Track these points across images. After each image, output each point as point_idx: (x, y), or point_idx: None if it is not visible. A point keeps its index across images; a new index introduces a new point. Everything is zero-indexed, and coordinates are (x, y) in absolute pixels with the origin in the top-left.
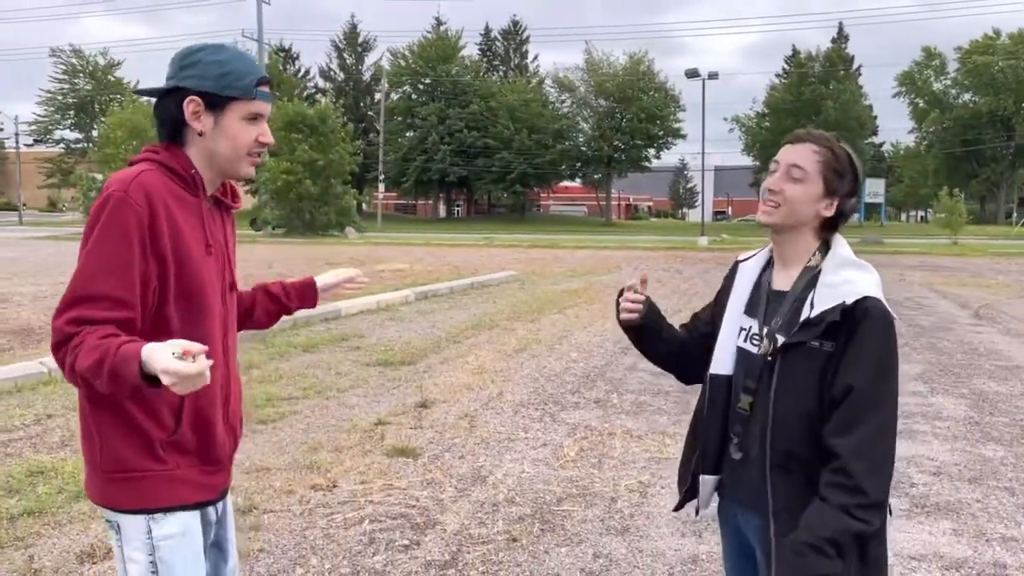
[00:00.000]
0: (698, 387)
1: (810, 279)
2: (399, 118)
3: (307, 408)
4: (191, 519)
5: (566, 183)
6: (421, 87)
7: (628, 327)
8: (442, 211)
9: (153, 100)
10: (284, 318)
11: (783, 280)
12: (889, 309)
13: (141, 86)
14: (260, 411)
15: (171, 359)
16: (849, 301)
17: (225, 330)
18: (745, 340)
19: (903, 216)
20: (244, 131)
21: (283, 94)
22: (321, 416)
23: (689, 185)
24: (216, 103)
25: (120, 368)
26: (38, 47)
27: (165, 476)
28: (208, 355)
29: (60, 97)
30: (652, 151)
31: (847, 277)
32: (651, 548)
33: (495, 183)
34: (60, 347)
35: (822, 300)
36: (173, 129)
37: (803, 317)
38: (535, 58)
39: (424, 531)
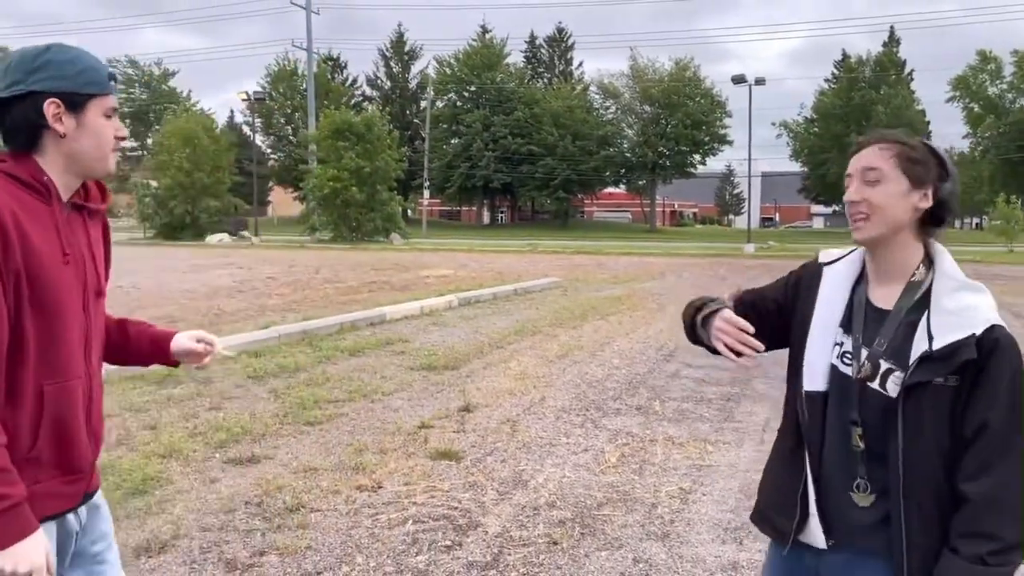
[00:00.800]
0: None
1: (919, 299)
2: (444, 125)
3: (353, 411)
4: (43, 541)
5: (610, 189)
6: (466, 94)
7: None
8: (486, 217)
9: None
10: (330, 321)
11: (883, 296)
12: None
13: (194, 95)
14: (308, 413)
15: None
16: (979, 332)
17: (88, 337)
18: (837, 358)
19: (956, 223)
20: (105, 127)
21: (331, 102)
22: (366, 419)
23: (735, 191)
24: (76, 103)
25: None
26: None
27: (28, 492)
28: None
29: (117, 107)
30: (697, 157)
31: (968, 303)
32: (691, 554)
33: (539, 189)
34: None
35: (943, 330)
36: (30, 136)
37: (923, 349)
38: (580, 65)
39: (466, 532)
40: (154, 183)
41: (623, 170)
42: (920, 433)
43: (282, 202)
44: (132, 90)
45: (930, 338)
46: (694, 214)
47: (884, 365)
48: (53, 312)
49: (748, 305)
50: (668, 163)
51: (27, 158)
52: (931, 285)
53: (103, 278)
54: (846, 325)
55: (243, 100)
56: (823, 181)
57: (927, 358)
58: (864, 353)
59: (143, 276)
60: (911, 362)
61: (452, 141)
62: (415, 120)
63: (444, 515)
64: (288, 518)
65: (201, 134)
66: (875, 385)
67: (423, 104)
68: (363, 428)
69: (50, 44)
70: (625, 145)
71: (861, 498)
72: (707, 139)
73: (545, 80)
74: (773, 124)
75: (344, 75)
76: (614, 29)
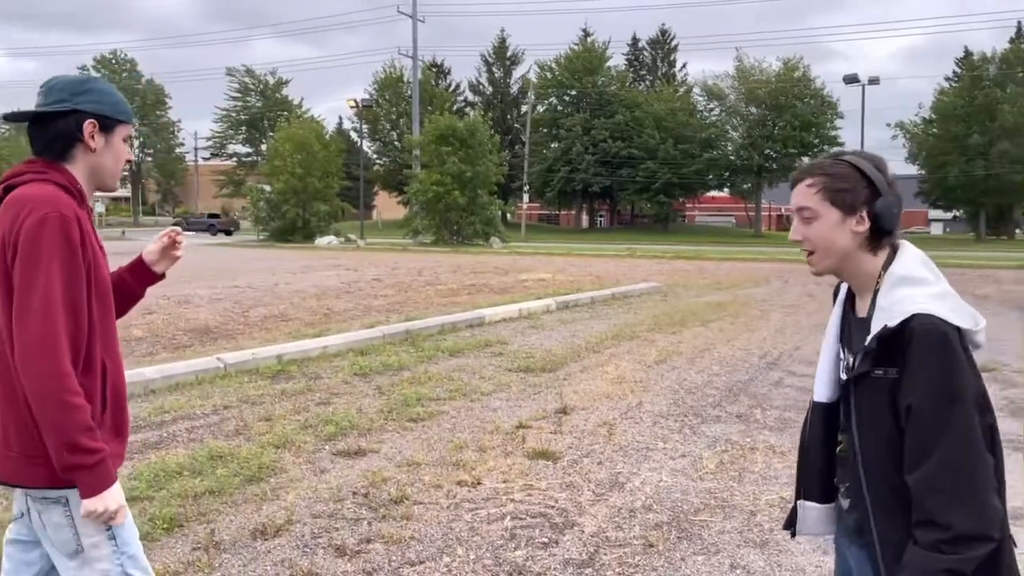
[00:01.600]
0: None
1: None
2: (544, 129)
3: (453, 409)
4: (119, 489)
5: (713, 193)
6: (567, 98)
7: None
8: (585, 221)
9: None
10: (432, 322)
11: (861, 306)
12: (945, 319)
13: (305, 103)
14: (410, 410)
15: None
16: (892, 323)
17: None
18: (844, 372)
19: None
20: (123, 149)
21: (435, 108)
22: (466, 417)
23: None
24: (108, 125)
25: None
26: (216, 68)
27: None
28: None
29: (234, 114)
30: (806, 159)
31: (899, 296)
32: (791, 563)
33: (639, 193)
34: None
35: (876, 325)
36: (65, 147)
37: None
38: (683, 67)
39: (563, 531)
40: (268, 187)
41: (727, 173)
42: (870, 428)
43: (387, 206)
44: (248, 98)
45: (869, 335)
46: None
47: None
48: (106, 298)
49: None
50: (774, 166)
51: (62, 168)
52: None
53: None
54: (843, 339)
55: (351, 107)
56: (942, 185)
57: (864, 353)
58: (851, 362)
59: (258, 276)
60: (856, 358)
61: (552, 145)
62: (516, 125)
63: (541, 513)
64: (392, 509)
65: (312, 140)
66: None
67: (524, 108)
68: (463, 426)
69: (92, 76)
70: (729, 148)
71: (845, 502)
72: (816, 141)
73: (647, 83)
74: (888, 125)
75: (447, 81)
76: (719, 30)
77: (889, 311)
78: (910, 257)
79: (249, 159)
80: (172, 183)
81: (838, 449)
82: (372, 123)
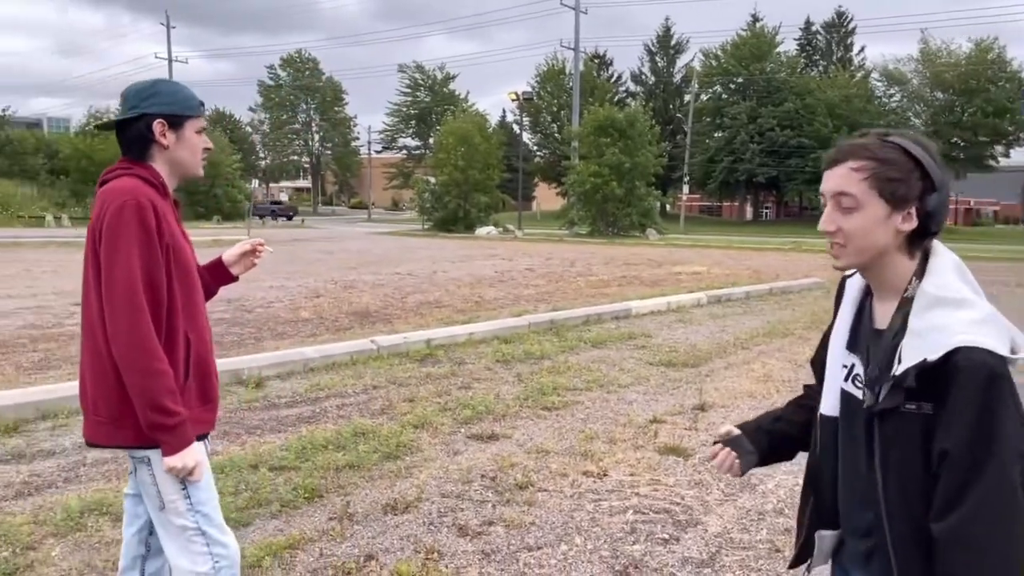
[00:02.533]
0: None
1: (903, 318)
2: (707, 118)
3: (588, 400)
4: (202, 448)
5: None
6: (732, 86)
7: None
8: (748, 213)
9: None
10: (577, 312)
11: (881, 314)
12: (994, 351)
13: (471, 96)
14: (546, 398)
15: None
16: (932, 357)
17: (203, 295)
18: (848, 380)
19: None
20: (197, 140)
21: (595, 99)
22: (600, 408)
23: None
24: (177, 122)
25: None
26: (389, 65)
27: None
28: None
29: (404, 108)
30: (1000, 149)
31: (935, 323)
32: None
33: (808, 184)
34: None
35: (908, 354)
36: (142, 147)
37: (892, 374)
38: (861, 50)
39: (685, 528)
40: (432, 179)
41: None
42: (895, 466)
43: (545, 197)
44: (418, 93)
45: (899, 362)
46: (994, 213)
47: (882, 392)
48: (188, 277)
49: (822, 356)
50: (963, 156)
51: (146, 165)
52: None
53: (195, 255)
54: (852, 344)
55: (512, 99)
56: None
57: (895, 384)
58: (867, 377)
59: (418, 265)
60: (882, 388)
61: (715, 134)
62: (677, 115)
63: (665, 509)
64: (517, 494)
65: (475, 133)
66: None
67: (687, 98)
68: (596, 417)
69: (157, 79)
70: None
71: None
72: (1011, 128)
73: (820, 68)
74: None
75: (609, 72)
76: (901, 10)
77: (926, 340)
78: (945, 266)
79: (418, 152)
80: (348, 175)
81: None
82: (533, 115)
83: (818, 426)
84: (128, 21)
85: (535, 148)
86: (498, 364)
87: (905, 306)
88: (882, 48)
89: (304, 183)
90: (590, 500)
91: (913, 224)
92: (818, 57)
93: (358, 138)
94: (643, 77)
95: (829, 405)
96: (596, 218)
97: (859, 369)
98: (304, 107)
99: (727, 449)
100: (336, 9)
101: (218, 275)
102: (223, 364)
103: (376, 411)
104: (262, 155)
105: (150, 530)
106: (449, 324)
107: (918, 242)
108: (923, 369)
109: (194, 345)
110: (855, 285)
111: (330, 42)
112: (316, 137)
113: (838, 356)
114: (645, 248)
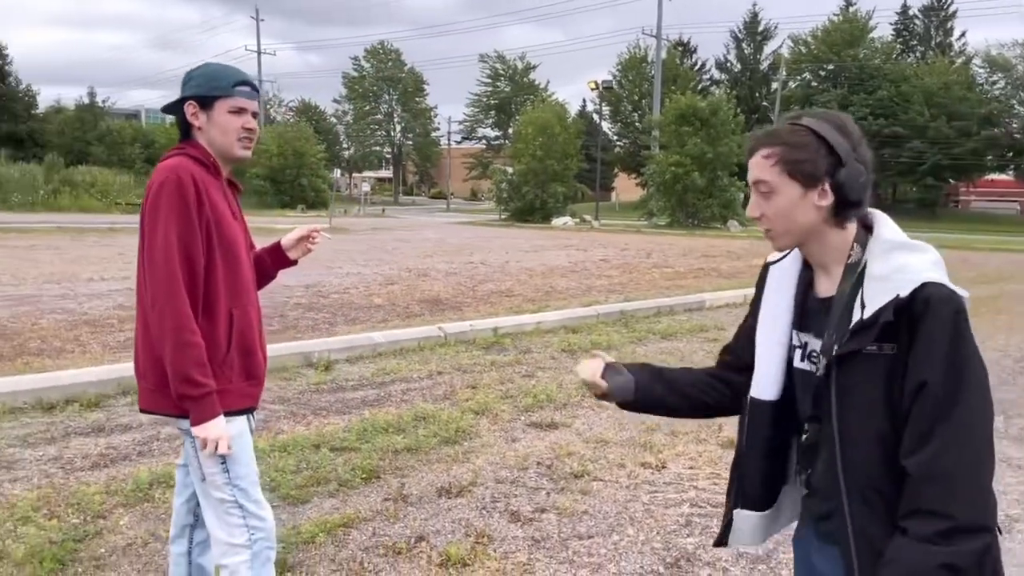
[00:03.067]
0: None
1: (857, 276)
2: (796, 106)
3: None
4: (243, 424)
5: (992, 176)
6: (822, 73)
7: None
8: None
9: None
10: (648, 304)
11: (827, 285)
12: (956, 290)
13: (551, 86)
14: None
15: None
16: (904, 292)
17: (252, 274)
18: (804, 359)
19: None
20: (230, 121)
21: (678, 88)
22: None
23: None
24: (206, 103)
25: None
26: (470, 55)
27: (221, 389)
28: None
29: (484, 99)
30: None
31: (899, 264)
32: None
33: (902, 176)
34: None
35: (873, 297)
36: (184, 130)
37: (854, 320)
38: (962, 35)
39: None
40: (510, 169)
41: (1010, 153)
42: (857, 410)
43: (625, 188)
44: (498, 83)
45: (862, 307)
46: None
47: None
48: (233, 254)
49: (743, 350)
50: None
51: (197, 144)
52: (866, 258)
53: (250, 236)
54: (799, 323)
55: (591, 88)
56: None
57: (858, 329)
58: (818, 347)
59: (492, 254)
60: (844, 334)
61: None
62: (763, 103)
63: (723, 503)
64: (572, 483)
65: (554, 123)
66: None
67: (774, 86)
68: None
69: (203, 63)
70: (1015, 125)
71: (804, 493)
72: None
73: (917, 54)
74: None
75: (693, 59)
76: None
77: (891, 280)
78: (892, 226)
79: (497, 142)
80: (428, 165)
81: (803, 438)
82: (614, 105)
83: (748, 411)
84: (220, 15)
85: (615, 138)
86: (563, 353)
87: (852, 271)
88: (985, 33)
89: (386, 173)
90: (646, 492)
91: (829, 199)
92: (915, 43)
93: (438, 128)
94: (728, 64)
95: (764, 387)
96: (675, 209)
97: (814, 345)
98: (386, 98)
99: (599, 359)
100: (420, 0)
101: (276, 259)
102: (295, 347)
103: (439, 396)
104: (345, 145)
105: (198, 501)
106: (517, 313)
107: (845, 213)
108: (883, 308)
109: (237, 321)
110: (784, 269)
111: (413, 33)
112: (398, 128)
113: (778, 338)
114: (725, 240)
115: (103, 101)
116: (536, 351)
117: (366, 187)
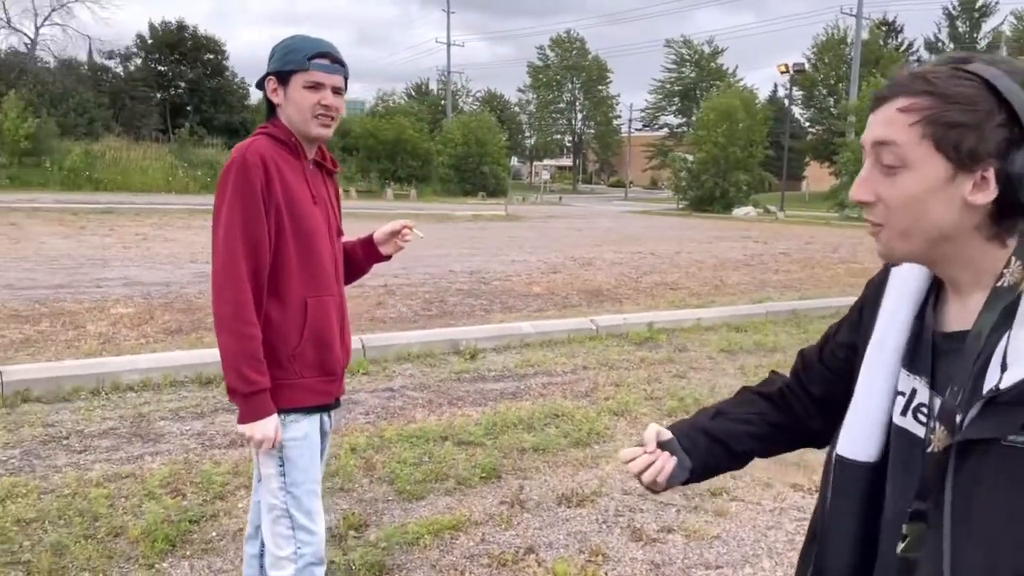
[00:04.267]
0: None
1: (1005, 312)
2: None
3: None
4: (310, 427)
5: None
6: None
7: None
8: None
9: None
10: (826, 303)
11: (959, 313)
12: None
13: (740, 71)
14: None
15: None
16: None
17: (336, 265)
18: (907, 412)
19: None
20: (305, 97)
21: (880, 70)
22: None
23: None
24: (283, 78)
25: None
26: (655, 41)
27: (290, 383)
28: None
29: (668, 85)
30: None
31: None
32: None
33: None
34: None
35: (1018, 358)
36: (270, 107)
37: (991, 385)
38: None
39: None
40: (689, 157)
41: None
42: (981, 527)
43: (817, 177)
44: (683, 69)
45: (1003, 369)
46: None
47: (966, 419)
48: (308, 240)
49: (842, 348)
50: None
51: (279, 123)
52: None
53: (340, 221)
54: (911, 361)
55: (781, 72)
56: None
57: (992, 400)
58: (936, 407)
59: (664, 244)
60: (974, 401)
61: None
62: None
63: None
64: (708, 501)
65: (739, 109)
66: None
67: None
68: None
69: (291, 36)
70: None
71: None
72: None
73: None
74: None
75: (898, 40)
76: None
77: None
78: None
79: (679, 130)
80: (608, 154)
81: (900, 548)
82: (807, 89)
83: (834, 471)
84: (416, 10)
85: (807, 124)
86: (722, 354)
87: (1001, 298)
88: None
89: (566, 161)
90: (792, 519)
91: (991, 193)
92: None
93: (619, 116)
94: (939, 45)
95: (856, 444)
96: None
97: (923, 395)
98: (569, 86)
99: (665, 453)
100: None
101: (368, 252)
102: (444, 333)
103: (579, 393)
104: (528, 134)
105: None
106: (680, 307)
107: (1010, 222)
108: None
109: (312, 311)
110: (907, 280)
111: (598, 20)
112: (579, 116)
113: (884, 379)
114: None
115: None
116: (692, 349)
117: (546, 175)
